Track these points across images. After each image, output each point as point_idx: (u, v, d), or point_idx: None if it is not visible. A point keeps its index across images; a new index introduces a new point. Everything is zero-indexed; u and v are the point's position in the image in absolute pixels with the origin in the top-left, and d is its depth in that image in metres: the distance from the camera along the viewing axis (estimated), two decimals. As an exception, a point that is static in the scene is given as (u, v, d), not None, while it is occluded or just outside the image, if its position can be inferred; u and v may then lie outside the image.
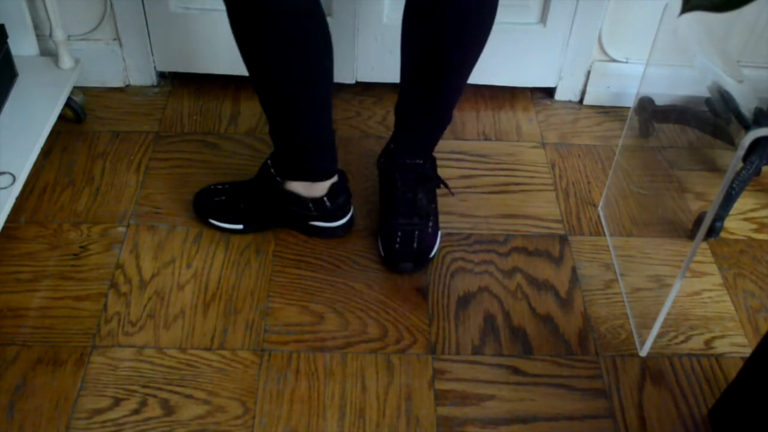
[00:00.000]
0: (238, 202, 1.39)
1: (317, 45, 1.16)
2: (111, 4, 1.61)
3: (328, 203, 1.35)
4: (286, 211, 1.37)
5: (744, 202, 1.55)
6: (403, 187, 1.37)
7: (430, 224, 1.38)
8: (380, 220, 1.41)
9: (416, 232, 1.36)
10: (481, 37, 1.20)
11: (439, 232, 1.41)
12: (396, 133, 1.40)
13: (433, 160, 1.42)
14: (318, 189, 1.34)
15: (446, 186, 1.44)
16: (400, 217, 1.36)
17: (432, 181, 1.41)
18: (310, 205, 1.34)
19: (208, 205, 1.40)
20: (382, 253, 1.37)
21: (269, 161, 1.34)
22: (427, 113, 1.33)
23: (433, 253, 1.38)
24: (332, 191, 1.34)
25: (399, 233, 1.36)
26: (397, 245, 1.35)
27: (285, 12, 1.09)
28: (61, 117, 1.57)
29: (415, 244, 1.35)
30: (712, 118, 1.56)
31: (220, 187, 1.43)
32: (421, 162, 1.38)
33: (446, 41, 1.19)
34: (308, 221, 1.39)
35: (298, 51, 1.13)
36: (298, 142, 1.28)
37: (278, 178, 1.33)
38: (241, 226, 1.39)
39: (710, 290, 1.38)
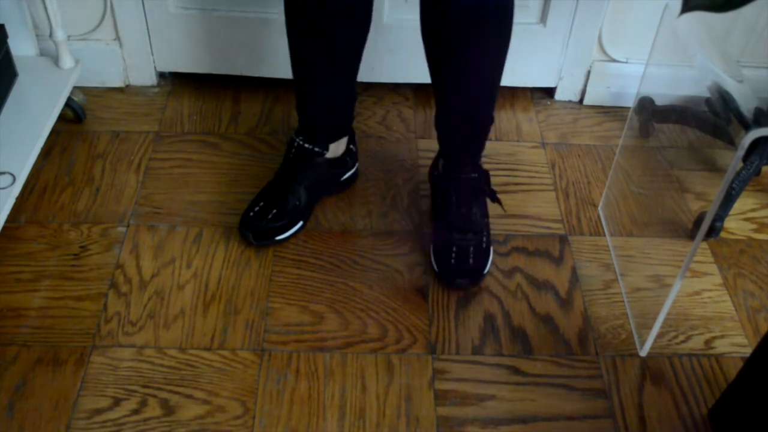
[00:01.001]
0: (290, 202, 1.38)
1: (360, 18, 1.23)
2: (111, 4, 1.61)
3: (354, 148, 1.46)
4: (328, 177, 1.43)
5: (744, 202, 1.55)
6: (458, 202, 1.36)
7: (484, 239, 1.37)
8: (434, 234, 1.40)
9: (471, 248, 1.34)
10: (501, 31, 1.20)
11: (492, 247, 1.40)
12: (442, 149, 1.41)
13: (487, 173, 1.40)
14: (345, 141, 1.43)
15: (498, 201, 1.41)
16: (455, 233, 1.35)
17: (485, 195, 1.40)
18: (347, 158, 1.44)
19: (269, 227, 1.38)
20: (436, 269, 1.35)
21: (304, 143, 1.38)
22: (469, 123, 1.33)
23: (487, 269, 1.36)
24: (351, 138, 1.45)
25: (454, 249, 1.34)
26: (452, 261, 1.33)
27: None
28: (61, 117, 1.57)
29: (470, 260, 1.34)
30: (712, 118, 1.56)
31: (258, 207, 1.39)
32: (476, 176, 1.37)
33: (462, 38, 1.18)
34: (341, 178, 1.47)
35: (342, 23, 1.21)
36: (337, 102, 1.36)
37: (322, 150, 1.39)
38: (301, 223, 1.41)
39: (710, 290, 1.38)
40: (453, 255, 1.34)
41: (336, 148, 1.42)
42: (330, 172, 1.44)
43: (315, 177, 1.40)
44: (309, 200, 1.41)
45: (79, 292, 1.30)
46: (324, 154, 1.40)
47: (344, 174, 1.47)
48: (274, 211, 1.38)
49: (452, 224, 1.35)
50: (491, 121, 1.34)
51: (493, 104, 1.33)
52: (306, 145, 1.38)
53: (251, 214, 1.38)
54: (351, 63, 1.33)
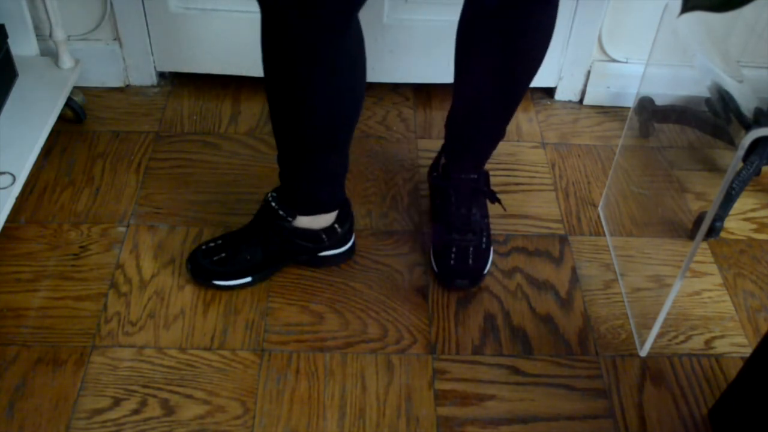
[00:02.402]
0: (241, 253, 1.29)
1: (351, 67, 1.09)
2: (111, 4, 1.61)
3: (339, 229, 1.31)
4: (296, 248, 1.31)
5: (744, 202, 1.55)
6: (457, 202, 1.35)
7: (484, 239, 1.36)
8: (433, 235, 1.40)
9: (471, 249, 1.34)
10: (547, 41, 1.19)
11: (492, 248, 1.40)
12: (447, 148, 1.39)
13: (486, 174, 1.40)
14: (328, 218, 1.30)
15: (499, 202, 1.41)
16: (454, 233, 1.34)
17: (485, 196, 1.39)
18: (323, 236, 1.30)
19: (209, 267, 1.30)
20: (436, 269, 1.35)
21: (273, 202, 1.27)
22: (483, 130, 1.32)
23: (487, 269, 1.36)
24: (339, 217, 1.32)
25: (454, 249, 1.34)
26: (452, 262, 1.33)
27: (317, 25, 1.00)
28: (61, 117, 1.57)
29: (470, 261, 1.33)
30: (712, 118, 1.56)
31: (213, 244, 1.32)
32: (476, 177, 1.36)
33: (519, 51, 1.16)
34: (318, 253, 1.33)
35: (327, 71, 1.06)
36: (320, 174, 1.23)
37: (288, 217, 1.27)
38: (249, 279, 1.31)
39: (710, 290, 1.38)
40: (452, 256, 1.33)
41: (310, 222, 1.29)
42: (295, 242, 1.30)
43: (276, 241, 1.29)
44: (264, 261, 1.30)
45: (79, 292, 1.30)
46: (289, 222, 1.28)
47: (321, 251, 1.33)
48: (223, 254, 1.30)
49: (451, 225, 1.35)
50: (502, 135, 1.34)
51: (509, 119, 1.31)
52: (272, 204, 1.27)
53: (203, 247, 1.32)
54: (345, 134, 1.21)
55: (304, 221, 1.29)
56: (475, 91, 1.26)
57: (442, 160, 1.41)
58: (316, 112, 1.11)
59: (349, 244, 1.36)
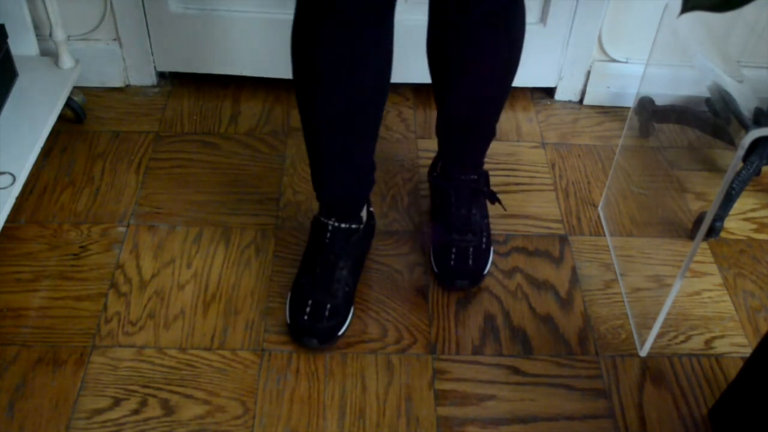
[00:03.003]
0: (339, 291, 1.25)
1: (378, 63, 1.11)
2: (111, 4, 1.61)
3: (370, 207, 1.36)
4: (363, 251, 1.34)
5: (744, 202, 1.55)
6: (457, 203, 1.35)
7: (484, 240, 1.36)
8: (433, 235, 1.39)
9: (471, 249, 1.33)
10: (513, 42, 1.18)
11: (492, 248, 1.39)
12: (443, 153, 1.39)
13: (486, 174, 1.39)
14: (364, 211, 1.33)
15: (499, 202, 1.41)
16: (454, 234, 1.34)
17: (485, 196, 1.38)
18: (371, 221, 1.36)
19: (332, 327, 1.23)
20: (436, 270, 1.34)
21: (335, 222, 1.26)
22: (472, 135, 1.32)
23: (487, 269, 1.36)
24: (368, 202, 1.35)
25: (454, 250, 1.33)
26: (452, 262, 1.32)
27: (348, 20, 1.03)
28: (61, 117, 1.57)
29: (470, 261, 1.33)
30: (712, 118, 1.56)
31: (308, 307, 1.23)
32: (475, 177, 1.36)
33: (474, 49, 1.16)
34: (371, 244, 1.39)
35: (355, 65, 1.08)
36: (369, 163, 1.25)
37: (354, 226, 1.27)
38: (353, 309, 1.28)
39: (710, 290, 1.38)
40: (452, 256, 1.33)
41: (364, 214, 1.33)
42: (365, 243, 1.35)
43: (356, 255, 1.29)
44: (355, 282, 1.30)
45: (79, 292, 1.30)
46: (360, 228, 1.29)
47: (372, 236, 1.39)
48: (329, 305, 1.23)
49: (451, 225, 1.35)
50: (493, 133, 1.34)
51: (496, 118, 1.31)
52: (342, 225, 1.26)
53: (305, 317, 1.22)
54: (374, 131, 1.23)
55: (363, 218, 1.32)
56: (456, 100, 1.26)
57: (440, 162, 1.41)
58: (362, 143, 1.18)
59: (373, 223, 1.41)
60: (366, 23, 1.05)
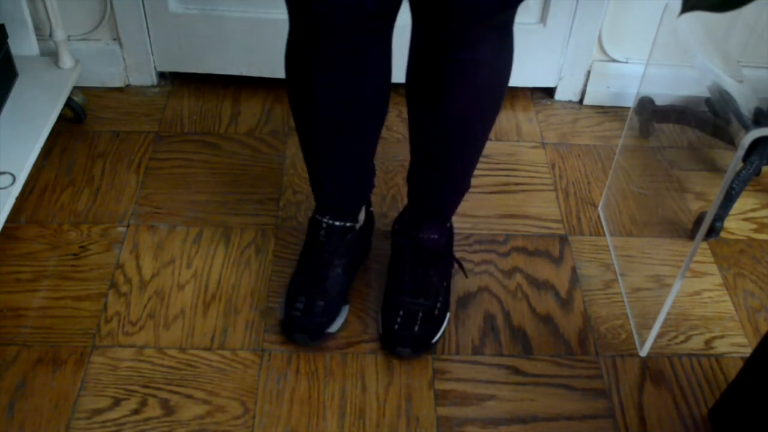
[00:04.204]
0: (332, 289, 1.25)
1: (375, 72, 1.09)
2: (111, 4, 1.61)
3: (370, 207, 1.36)
4: (360, 250, 1.33)
5: (744, 202, 1.55)
6: (413, 262, 1.25)
7: (438, 305, 1.26)
8: (385, 292, 1.30)
9: (420, 314, 1.23)
10: (495, 97, 1.11)
11: (448, 315, 1.29)
12: (410, 204, 1.29)
13: (451, 236, 1.32)
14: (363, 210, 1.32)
15: (461, 266, 1.34)
16: (405, 295, 1.24)
17: (446, 260, 1.30)
18: (371, 221, 1.36)
19: (321, 322, 1.23)
20: (381, 331, 1.25)
21: (329, 220, 1.24)
22: (440, 182, 1.22)
23: (436, 339, 1.25)
24: (367, 202, 1.34)
25: (401, 312, 1.23)
26: (396, 326, 1.23)
27: (346, 42, 1.00)
28: (61, 117, 1.57)
29: (416, 327, 1.23)
30: (712, 118, 1.56)
31: (300, 303, 1.24)
32: (436, 237, 1.25)
33: (459, 103, 1.08)
34: (369, 243, 1.38)
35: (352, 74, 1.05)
36: (368, 165, 1.25)
37: (350, 224, 1.26)
38: (347, 307, 1.28)
39: (710, 290, 1.38)
40: (398, 320, 1.23)
41: (362, 214, 1.31)
42: (362, 242, 1.32)
43: (351, 253, 1.27)
44: (349, 280, 1.29)
45: (79, 292, 1.30)
46: (356, 227, 1.27)
47: (370, 236, 1.37)
48: (321, 303, 1.23)
49: (403, 285, 1.25)
50: (468, 186, 1.25)
51: (473, 170, 1.22)
52: (337, 223, 1.24)
53: (297, 313, 1.23)
54: (373, 140, 1.22)
55: (360, 217, 1.30)
56: (433, 142, 1.16)
57: (405, 215, 1.30)
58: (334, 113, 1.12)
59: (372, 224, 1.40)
60: (365, 43, 1.03)
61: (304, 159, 1.22)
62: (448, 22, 0.97)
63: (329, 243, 1.25)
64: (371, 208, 1.37)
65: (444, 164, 1.18)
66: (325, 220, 1.25)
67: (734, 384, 1.13)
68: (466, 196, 1.47)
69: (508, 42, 1.09)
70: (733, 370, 1.25)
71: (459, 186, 1.24)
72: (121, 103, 1.70)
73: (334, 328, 1.24)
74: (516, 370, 1.23)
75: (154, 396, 1.16)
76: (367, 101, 1.12)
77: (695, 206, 1.54)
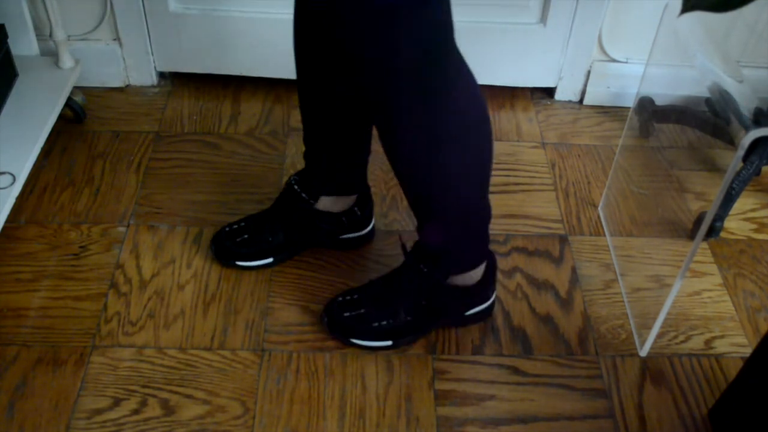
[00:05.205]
0: (263, 235, 1.33)
1: None
2: (111, 4, 1.61)
3: (358, 212, 1.34)
4: (316, 231, 1.34)
5: (744, 202, 1.55)
6: (401, 266, 1.23)
7: (383, 323, 1.22)
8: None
9: (363, 310, 1.22)
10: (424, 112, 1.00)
11: (388, 343, 1.23)
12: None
13: (454, 266, 1.22)
14: (349, 201, 1.33)
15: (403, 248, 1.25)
16: (374, 288, 1.24)
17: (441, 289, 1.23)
18: (344, 219, 1.33)
19: (232, 248, 1.33)
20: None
21: (296, 185, 1.30)
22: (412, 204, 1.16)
23: (356, 341, 1.23)
24: (359, 200, 1.34)
25: (356, 296, 1.24)
26: (340, 298, 1.24)
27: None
28: (61, 117, 1.57)
29: (347, 314, 1.23)
30: (712, 118, 1.56)
31: (236, 226, 1.35)
32: (426, 270, 1.19)
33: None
34: (339, 236, 1.36)
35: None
36: (342, 156, 1.26)
37: (309, 199, 1.30)
38: (270, 260, 1.34)
39: (710, 290, 1.38)
40: (348, 298, 1.24)
41: (332, 204, 1.32)
42: (317, 225, 1.33)
43: (297, 223, 1.32)
44: (285, 242, 1.33)
45: (79, 292, 1.30)
46: (311, 205, 1.31)
47: (342, 233, 1.36)
48: (246, 236, 1.33)
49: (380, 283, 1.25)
50: (445, 216, 1.13)
51: (441, 201, 1.12)
52: (295, 187, 1.30)
53: (227, 228, 1.35)
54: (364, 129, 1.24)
55: (326, 204, 1.31)
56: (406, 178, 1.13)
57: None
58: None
59: (369, 228, 1.39)
60: None
61: (303, 125, 1.25)
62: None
63: (282, 200, 1.32)
64: (358, 210, 1.34)
65: (407, 193, 1.15)
66: (293, 178, 1.31)
67: (734, 384, 1.13)
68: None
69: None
70: (733, 370, 1.25)
71: (431, 212, 1.14)
72: (121, 103, 1.70)
73: (244, 263, 1.33)
74: (516, 370, 1.23)
75: (154, 396, 1.16)
76: None
77: (695, 206, 1.54)
